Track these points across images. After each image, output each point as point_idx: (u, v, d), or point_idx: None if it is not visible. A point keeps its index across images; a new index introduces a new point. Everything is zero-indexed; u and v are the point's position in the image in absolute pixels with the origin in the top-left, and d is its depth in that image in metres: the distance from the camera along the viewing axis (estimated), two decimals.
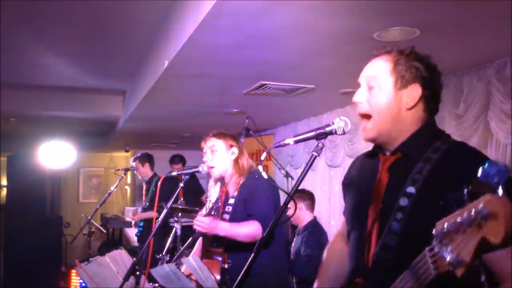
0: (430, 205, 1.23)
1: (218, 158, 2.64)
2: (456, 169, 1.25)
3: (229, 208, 2.65)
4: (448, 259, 0.90)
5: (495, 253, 0.95)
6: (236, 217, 2.55)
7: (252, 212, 2.49)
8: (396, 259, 1.25)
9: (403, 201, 1.26)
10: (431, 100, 1.38)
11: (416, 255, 1.16)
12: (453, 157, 1.28)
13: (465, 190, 0.91)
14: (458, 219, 0.87)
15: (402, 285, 1.10)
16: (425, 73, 1.36)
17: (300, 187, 1.55)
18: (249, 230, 2.45)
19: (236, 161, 2.63)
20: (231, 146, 2.65)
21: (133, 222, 6.12)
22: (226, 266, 2.56)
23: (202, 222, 2.50)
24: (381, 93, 1.37)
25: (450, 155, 1.29)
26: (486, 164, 0.88)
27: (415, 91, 1.35)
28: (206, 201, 2.70)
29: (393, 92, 1.36)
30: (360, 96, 1.42)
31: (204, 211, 2.58)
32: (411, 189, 1.26)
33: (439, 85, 1.40)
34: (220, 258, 2.65)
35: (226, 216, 2.65)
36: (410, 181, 1.27)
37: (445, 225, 0.91)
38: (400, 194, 1.28)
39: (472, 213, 0.85)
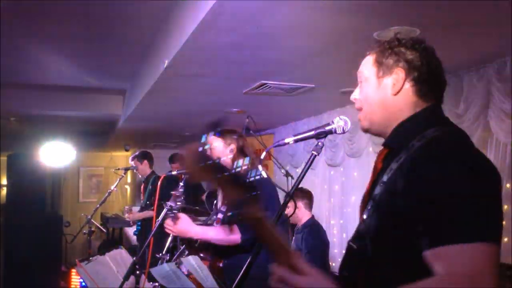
0: (390, 196, 1.18)
1: (216, 156, 2.62)
2: (420, 166, 1.13)
3: (224, 208, 2.65)
4: None
5: None
6: (229, 217, 2.54)
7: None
8: (360, 246, 1.25)
9: (377, 190, 1.23)
10: (422, 82, 1.29)
11: (378, 243, 1.18)
12: (425, 151, 1.16)
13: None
14: None
15: None
16: (410, 55, 1.31)
17: (299, 186, 1.55)
18: (225, 235, 2.41)
19: (232, 161, 2.60)
20: (229, 144, 2.62)
21: (130, 221, 6.13)
22: (221, 265, 2.55)
23: (170, 225, 2.48)
24: (367, 85, 1.36)
25: (424, 148, 1.17)
26: None
27: (398, 75, 1.30)
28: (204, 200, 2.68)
29: (377, 81, 1.33)
30: (353, 94, 1.42)
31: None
32: (384, 178, 1.22)
33: (432, 64, 1.31)
34: (205, 256, 2.62)
35: (221, 216, 2.64)
36: (388, 170, 1.23)
37: None
38: (378, 183, 1.26)
39: None
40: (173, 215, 2.50)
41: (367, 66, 1.37)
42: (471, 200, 1.05)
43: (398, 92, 1.30)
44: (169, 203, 2.50)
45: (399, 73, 1.30)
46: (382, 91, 1.32)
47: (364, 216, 1.26)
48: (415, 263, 1.08)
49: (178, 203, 2.53)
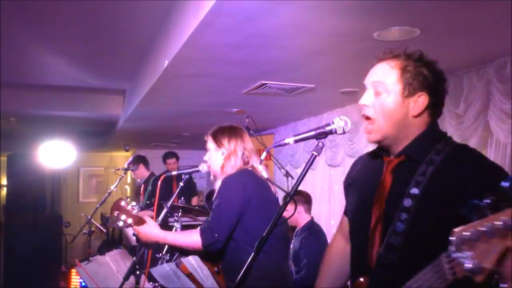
0: (434, 206, 1.25)
1: (210, 158, 2.59)
2: (460, 170, 1.28)
3: None
4: (468, 266, 0.92)
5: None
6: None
7: (206, 220, 2.44)
8: (399, 259, 1.26)
9: (407, 202, 1.27)
10: (436, 107, 1.40)
11: (420, 255, 1.18)
12: (456, 159, 1.31)
13: (485, 200, 0.94)
14: (480, 228, 0.89)
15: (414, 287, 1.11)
16: (432, 80, 1.37)
17: (300, 187, 1.55)
18: (187, 240, 2.38)
19: (223, 164, 2.51)
20: (221, 147, 2.52)
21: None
22: (216, 269, 2.53)
23: (136, 230, 2.46)
24: (388, 99, 1.38)
25: (453, 157, 1.31)
26: (509, 178, 0.91)
27: (422, 99, 1.37)
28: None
29: (401, 100, 1.37)
30: (366, 100, 1.42)
31: None
32: (415, 190, 1.28)
33: (444, 91, 1.43)
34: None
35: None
36: (414, 183, 1.29)
37: (465, 233, 0.92)
38: (404, 195, 1.29)
39: (498, 223, 0.87)
40: (175, 220, 2.49)
41: (390, 80, 1.39)
42: None
43: (419, 115, 1.38)
44: (164, 213, 2.49)
45: (422, 98, 1.37)
46: (403, 111, 1.38)
47: (397, 229, 1.29)
48: None
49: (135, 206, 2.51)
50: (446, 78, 1.43)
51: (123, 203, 2.50)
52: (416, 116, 1.38)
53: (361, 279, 1.38)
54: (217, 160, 2.52)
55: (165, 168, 6.28)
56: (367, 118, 1.42)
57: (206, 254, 2.41)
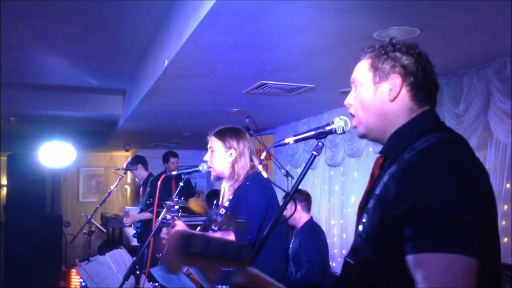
0: (380, 208, 1.18)
1: (216, 159, 2.58)
2: (402, 172, 1.15)
3: (222, 211, 2.63)
4: None
5: None
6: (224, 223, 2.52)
7: None
8: (360, 260, 1.24)
9: (370, 203, 1.23)
10: (417, 87, 1.28)
11: (374, 257, 1.18)
12: (411, 161, 1.16)
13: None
14: None
15: None
16: (406, 60, 1.29)
17: (299, 187, 1.55)
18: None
19: (232, 164, 2.52)
20: (230, 147, 2.53)
21: (127, 223, 6.11)
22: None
23: (165, 234, 2.45)
24: (362, 90, 1.35)
25: (413, 158, 1.17)
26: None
27: (395, 81, 1.29)
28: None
29: (373, 87, 1.32)
30: (349, 98, 1.40)
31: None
32: (377, 191, 1.22)
33: (427, 69, 1.30)
34: None
35: (219, 219, 2.63)
36: (381, 183, 1.22)
37: None
38: (372, 195, 1.25)
39: None
40: (168, 222, 2.47)
41: (362, 71, 1.35)
42: (458, 211, 1.04)
43: (395, 98, 1.29)
44: (164, 213, 2.48)
45: (395, 79, 1.29)
46: (378, 97, 1.31)
47: (360, 229, 1.25)
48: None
49: (173, 213, 2.51)
50: (424, 54, 1.31)
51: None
52: (393, 100, 1.29)
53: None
54: (225, 161, 2.53)
55: (163, 168, 6.27)
56: (352, 115, 1.41)
57: None
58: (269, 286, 1.11)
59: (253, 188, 2.42)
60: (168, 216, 2.46)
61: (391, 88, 1.29)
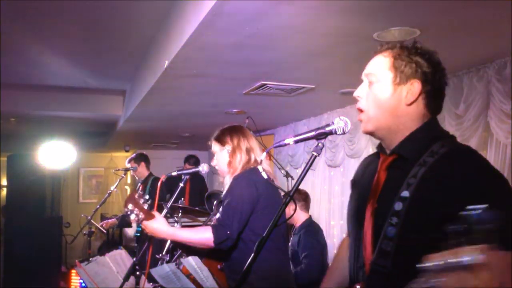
0: (423, 211, 1.21)
1: (217, 160, 2.63)
2: (449, 174, 1.21)
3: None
4: None
5: None
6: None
7: (218, 217, 2.44)
8: (393, 265, 1.24)
9: (398, 206, 1.23)
10: (432, 97, 1.34)
11: (412, 260, 1.16)
12: (448, 161, 1.23)
13: (459, 226, 0.93)
14: (450, 260, 0.88)
15: None
16: (426, 68, 1.32)
17: (300, 187, 1.55)
18: (198, 236, 2.36)
19: (229, 160, 2.55)
20: (225, 144, 2.56)
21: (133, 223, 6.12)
22: (219, 266, 2.53)
23: (144, 225, 2.45)
24: (380, 88, 1.35)
25: (446, 159, 1.24)
26: (482, 211, 0.89)
27: (414, 87, 1.31)
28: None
29: (392, 87, 1.33)
30: (360, 91, 1.40)
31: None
32: (405, 193, 1.23)
33: (442, 81, 1.36)
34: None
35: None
36: (405, 185, 1.24)
37: (434, 263, 0.91)
38: (395, 197, 1.26)
39: (466, 259, 0.85)
40: (175, 221, 2.48)
41: (382, 68, 1.36)
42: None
43: (412, 103, 1.33)
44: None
45: (415, 85, 1.32)
46: (395, 98, 1.33)
47: (389, 233, 1.25)
48: None
49: (143, 202, 2.50)
50: (443, 67, 1.37)
51: (136, 195, 2.49)
52: (410, 105, 1.32)
53: (357, 287, 1.36)
54: (223, 159, 2.56)
55: (168, 169, 6.28)
56: (360, 110, 1.40)
57: (211, 252, 2.42)
58: None
59: (239, 184, 2.42)
60: (130, 206, 2.43)
61: (409, 92, 1.32)
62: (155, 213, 2.46)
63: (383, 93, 1.34)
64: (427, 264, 0.91)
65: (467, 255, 0.84)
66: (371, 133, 1.41)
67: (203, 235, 2.34)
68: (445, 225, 1.09)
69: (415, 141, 1.32)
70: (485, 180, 1.20)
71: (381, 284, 1.26)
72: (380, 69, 1.36)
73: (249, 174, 2.44)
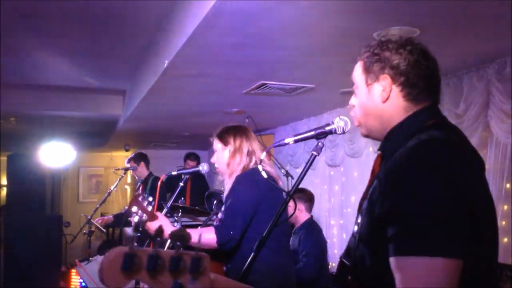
0: (369, 210, 1.18)
1: (217, 159, 2.62)
2: (386, 171, 1.15)
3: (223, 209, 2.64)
4: None
5: None
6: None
7: (220, 218, 2.44)
8: (353, 261, 1.24)
9: (365, 204, 1.23)
10: (409, 86, 1.26)
11: (367, 257, 1.18)
12: (397, 159, 1.14)
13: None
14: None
15: None
16: (395, 60, 1.27)
17: (300, 187, 1.55)
18: (200, 237, 2.39)
19: (228, 161, 2.56)
20: (227, 145, 2.57)
21: (132, 222, 6.12)
22: (225, 268, 2.53)
23: (148, 226, 2.45)
24: (359, 93, 1.35)
25: (400, 156, 1.14)
26: None
27: (384, 82, 1.28)
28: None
29: (366, 89, 1.32)
30: (351, 99, 1.41)
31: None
32: (370, 190, 1.22)
33: (420, 66, 1.27)
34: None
35: (220, 216, 2.63)
36: (374, 182, 1.22)
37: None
38: (367, 195, 1.25)
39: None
40: (177, 217, 2.49)
41: (358, 73, 1.36)
42: (435, 212, 1.03)
43: (387, 99, 1.28)
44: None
45: (385, 80, 1.28)
46: (372, 99, 1.31)
47: (355, 229, 1.26)
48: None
49: (148, 203, 2.51)
50: (418, 52, 1.28)
51: (140, 198, 2.50)
52: (385, 101, 1.29)
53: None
54: (224, 159, 2.55)
55: (169, 169, 6.28)
56: (353, 117, 1.42)
57: (215, 253, 2.42)
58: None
59: (241, 185, 2.42)
60: (135, 208, 2.45)
61: (382, 89, 1.29)
62: (158, 213, 2.47)
63: (362, 97, 1.34)
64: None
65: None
66: (367, 136, 1.42)
67: (206, 236, 2.34)
68: (384, 230, 1.09)
69: (392, 138, 1.29)
70: (413, 180, 1.07)
71: (343, 278, 1.28)
72: (356, 75, 1.37)
73: (252, 174, 2.44)
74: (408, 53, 1.27)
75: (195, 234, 2.43)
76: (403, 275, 1.03)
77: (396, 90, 1.27)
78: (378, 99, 1.29)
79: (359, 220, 1.25)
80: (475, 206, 1.08)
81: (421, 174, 1.07)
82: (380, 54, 1.29)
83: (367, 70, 1.31)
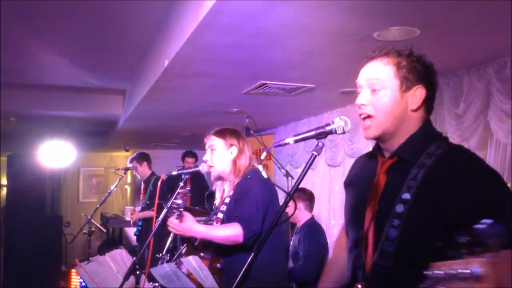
0: (426, 212, 1.24)
1: (217, 158, 2.61)
2: (449, 175, 1.26)
3: (224, 208, 2.64)
4: None
5: None
6: (229, 218, 2.53)
7: (237, 214, 2.45)
8: (394, 266, 1.26)
9: (399, 208, 1.26)
10: (431, 101, 1.42)
11: (414, 261, 1.18)
12: (447, 163, 1.29)
13: (462, 238, 0.94)
14: (454, 270, 0.89)
15: None
16: (425, 74, 1.40)
17: (300, 187, 1.55)
18: (228, 233, 2.39)
19: (234, 161, 2.58)
20: (231, 145, 2.59)
21: (131, 221, 6.14)
22: (218, 265, 2.54)
23: (174, 224, 2.48)
24: (386, 96, 1.39)
25: (444, 161, 1.29)
26: (490, 225, 0.90)
27: (419, 92, 1.38)
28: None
29: (399, 95, 1.38)
30: (363, 99, 1.43)
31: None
32: (406, 196, 1.27)
33: (436, 85, 1.44)
34: (205, 256, 2.61)
35: (221, 215, 2.64)
36: (405, 187, 1.28)
37: (440, 271, 0.92)
38: (396, 199, 1.28)
39: (475, 270, 0.87)
40: (178, 212, 2.50)
41: (387, 77, 1.40)
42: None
43: (418, 108, 1.39)
44: (174, 200, 2.49)
45: (420, 91, 1.38)
46: (403, 105, 1.39)
47: (391, 234, 1.28)
48: None
49: (183, 201, 2.53)
50: (435, 71, 1.44)
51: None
52: (415, 110, 1.39)
53: (359, 286, 1.37)
54: (226, 159, 2.57)
55: (169, 169, 6.29)
56: (368, 116, 1.42)
57: (219, 248, 2.44)
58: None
59: (256, 181, 2.47)
60: (179, 201, 2.48)
61: (415, 99, 1.39)
62: (185, 212, 2.50)
63: (391, 100, 1.39)
64: (436, 272, 0.92)
65: (476, 266, 0.86)
66: (375, 138, 1.44)
67: (232, 231, 2.38)
68: (450, 232, 1.10)
69: (414, 144, 1.37)
70: (485, 180, 1.24)
71: (382, 284, 1.28)
72: (384, 77, 1.40)
73: (259, 174, 2.47)
74: (430, 67, 1.42)
75: (218, 231, 2.46)
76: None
77: (424, 102, 1.41)
78: (408, 106, 1.39)
79: (395, 224, 1.27)
80: None
81: (494, 175, 1.26)
82: (414, 64, 1.40)
83: (402, 76, 1.39)
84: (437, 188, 1.23)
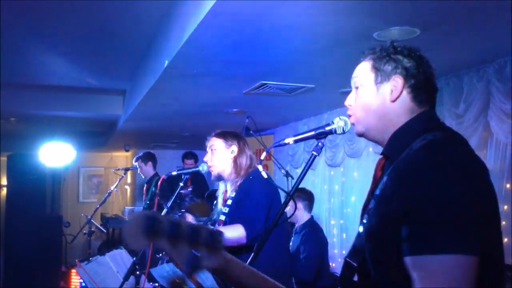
0: (379, 208, 1.19)
1: (217, 157, 2.63)
2: (397, 172, 1.17)
3: (226, 210, 2.65)
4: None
5: None
6: (231, 218, 2.53)
7: (240, 215, 2.46)
8: (359, 262, 1.25)
9: (371, 204, 1.24)
10: (418, 89, 1.31)
11: (376, 258, 1.19)
12: (406, 160, 1.18)
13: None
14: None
15: None
16: (407, 63, 1.32)
17: (300, 187, 1.55)
18: (231, 234, 2.39)
19: (234, 160, 2.60)
20: (231, 144, 2.63)
21: None
22: None
23: None
24: (364, 90, 1.36)
25: (407, 157, 1.18)
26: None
27: (397, 82, 1.31)
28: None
29: (375, 88, 1.34)
30: (348, 99, 1.41)
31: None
32: (377, 192, 1.24)
33: (428, 73, 1.33)
34: None
35: (223, 217, 2.64)
36: (380, 184, 1.24)
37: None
38: (373, 196, 1.26)
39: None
40: (180, 214, 2.50)
41: (364, 72, 1.37)
42: (452, 210, 1.04)
43: (396, 99, 1.31)
44: (181, 191, 2.51)
45: (397, 80, 1.31)
46: (380, 98, 1.33)
47: (360, 230, 1.27)
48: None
49: (187, 202, 2.54)
50: (424, 58, 1.35)
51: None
52: (394, 101, 1.31)
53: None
54: (227, 158, 2.59)
55: (169, 169, 6.30)
56: (349, 114, 1.42)
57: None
58: (247, 272, 1.12)
59: (257, 182, 2.48)
60: (189, 188, 2.49)
61: (393, 89, 1.31)
62: (187, 214, 2.51)
63: (367, 94, 1.35)
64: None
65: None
66: (362, 135, 1.41)
67: (237, 232, 2.39)
68: (398, 229, 1.09)
69: (398, 139, 1.30)
70: (423, 178, 1.09)
71: (349, 279, 1.29)
72: (362, 73, 1.37)
73: (261, 174, 2.48)
74: (418, 58, 1.33)
75: (224, 230, 2.46)
76: (421, 274, 1.03)
77: (405, 91, 1.31)
78: (386, 98, 1.32)
79: (364, 220, 1.25)
80: (488, 201, 1.13)
81: (435, 172, 1.09)
82: (392, 55, 1.34)
83: (377, 69, 1.34)
84: (389, 185, 1.17)
